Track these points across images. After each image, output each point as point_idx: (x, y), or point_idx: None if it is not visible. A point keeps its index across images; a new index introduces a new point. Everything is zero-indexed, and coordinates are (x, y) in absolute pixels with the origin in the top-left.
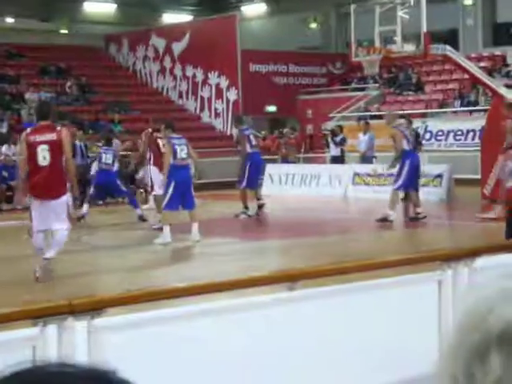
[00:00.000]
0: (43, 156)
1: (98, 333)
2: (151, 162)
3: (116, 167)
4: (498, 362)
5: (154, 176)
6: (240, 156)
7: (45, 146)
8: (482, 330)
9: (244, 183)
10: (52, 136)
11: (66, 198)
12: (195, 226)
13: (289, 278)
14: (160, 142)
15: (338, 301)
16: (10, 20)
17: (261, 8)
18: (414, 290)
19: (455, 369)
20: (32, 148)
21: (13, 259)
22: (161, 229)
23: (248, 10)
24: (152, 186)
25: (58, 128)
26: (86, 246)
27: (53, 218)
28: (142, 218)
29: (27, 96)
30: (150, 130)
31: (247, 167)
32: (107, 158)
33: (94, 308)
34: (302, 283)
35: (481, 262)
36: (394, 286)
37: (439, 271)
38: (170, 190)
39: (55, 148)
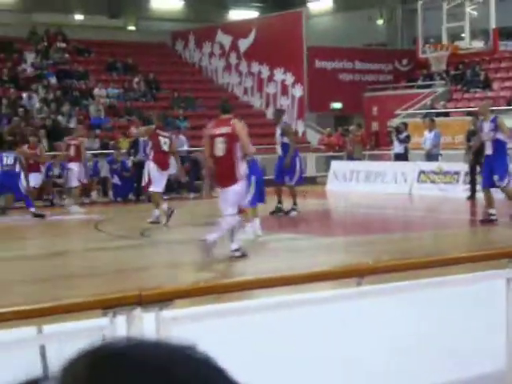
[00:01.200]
0: (219, 148)
1: (166, 324)
2: (151, 158)
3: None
4: None
5: (152, 173)
6: (289, 150)
7: (221, 139)
8: None
9: (296, 179)
10: (227, 129)
11: (240, 187)
12: (257, 222)
13: (357, 273)
14: (161, 139)
15: (404, 297)
16: (78, 17)
17: (327, 4)
18: (481, 288)
19: None
20: (212, 140)
21: (79, 252)
22: (156, 222)
23: (314, 7)
24: (149, 182)
25: (232, 121)
26: (147, 240)
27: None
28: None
29: (95, 92)
30: (153, 126)
31: (297, 162)
32: None
33: (163, 299)
34: (370, 279)
35: None
36: (461, 283)
37: (508, 269)
38: (253, 186)
39: (229, 140)
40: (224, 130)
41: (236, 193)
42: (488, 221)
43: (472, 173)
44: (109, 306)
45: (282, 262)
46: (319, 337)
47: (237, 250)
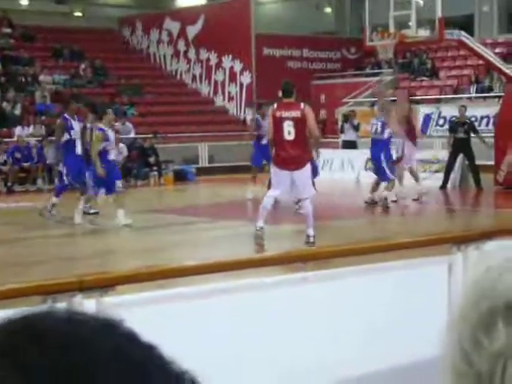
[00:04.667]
0: (288, 131)
1: (107, 310)
2: None
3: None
4: (504, 330)
5: None
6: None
7: (290, 122)
8: (489, 298)
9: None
10: (296, 113)
11: (309, 168)
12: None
13: (301, 259)
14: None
15: (346, 283)
16: (24, 2)
17: None
18: (423, 273)
19: (462, 336)
20: (278, 123)
21: (23, 240)
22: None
23: None
24: None
25: (302, 106)
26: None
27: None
28: None
29: (41, 78)
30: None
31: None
32: None
33: (104, 285)
34: (313, 264)
35: (492, 244)
36: (403, 268)
37: (449, 254)
38: None
39: (299, 123)
40: (294, 113)
41: (308, 176)
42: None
43: (449, 163)
44: (48, 292)
45: (224, 250)
46: (262, 323)
47: (262, 228)
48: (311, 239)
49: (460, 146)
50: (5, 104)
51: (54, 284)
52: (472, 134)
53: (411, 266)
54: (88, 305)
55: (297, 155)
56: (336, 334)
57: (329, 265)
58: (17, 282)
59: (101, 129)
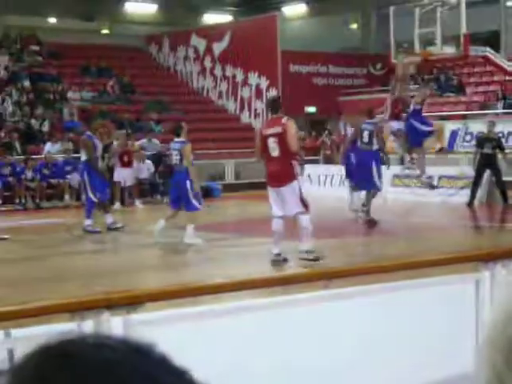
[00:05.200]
0: (273, 147)
1: (134, 328)
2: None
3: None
4: None
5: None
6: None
7: (273, 139)
8: None
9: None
10: (278, 129)
11: (295, 184)
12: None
13: (325, 276)
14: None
15: (375, 300)
16: (52, 20)
17: (301, 8)
18: (451, 291)
19: (495, 357)
20: (264, 140)
21: (51, 256)
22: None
23: (289, 11)
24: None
25: (283, 120)
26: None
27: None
28: None
29: (69, 95)
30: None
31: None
32: None
33: (131, 303)
34: (339, 282)
35: None
36: (431, 285)
37: (477, 272)
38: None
39: (281, 139)
40: (276, 129)
41: (293, 192)
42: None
43: (476, 179)
44: (76, 309)
45: (251, 267)
46: (290, 339)
47: (278, 255)
48: (303, 255)
49: (486, 161)
50: (33, 121)
51: (82, 302)
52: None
53: (439, 283)
54: (115, 322)
55: (280, 171)
56: (363, 352)
57: (351, 282)
58: (45, 299)
59: (89, 136)
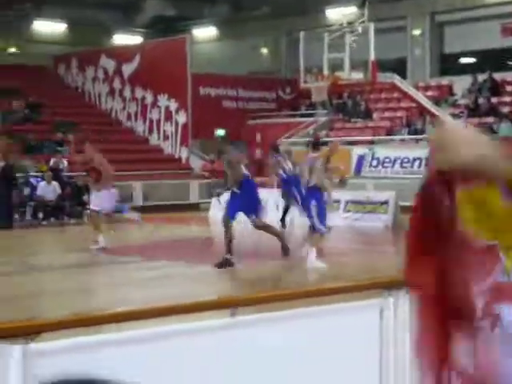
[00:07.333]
0: None
1: (32, 358)
2: None
3: None
4: None
5: None
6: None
7: None
8: None
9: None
10: None
11: None
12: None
13: (231, 304)
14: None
15: (273, 328)
16: None
17: (212, 32)
18: (354, 318)
19: None
20: None
21: None
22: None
23: (199, 33)
24: None
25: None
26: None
27: None
28: None
29: None
30: None
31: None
32: None
33: (30, 332)
34: (243, 309)
35: None
36: (333, 313)
37: (380, 299)
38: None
39: None
40: None
41: None
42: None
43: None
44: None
45: (153, 291)
46: (191, 368)
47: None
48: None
49: None
50: None
51: None
52: None
53: (341, 311)
54: (12, 351)
55: None
56: (266, 378)
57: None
58: None
59: None
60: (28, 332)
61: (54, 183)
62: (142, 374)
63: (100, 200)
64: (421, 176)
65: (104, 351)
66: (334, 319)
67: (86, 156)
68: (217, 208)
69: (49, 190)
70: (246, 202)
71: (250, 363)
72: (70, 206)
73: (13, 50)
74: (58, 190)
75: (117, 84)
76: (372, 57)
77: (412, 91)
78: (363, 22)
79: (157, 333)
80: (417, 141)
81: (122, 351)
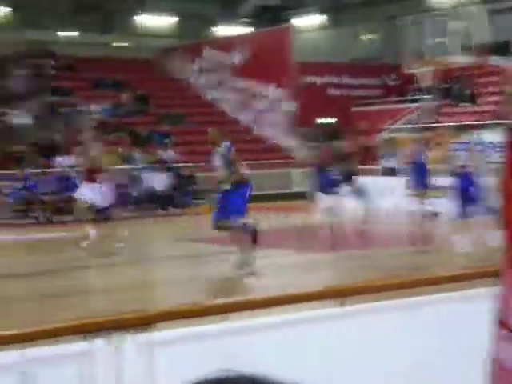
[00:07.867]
0: None
1: (149, 348)
2: None
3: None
4: None
5: None
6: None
7: None
8: None
9: None
10: None
11: None
12: None
13: (340, 295)
14: None
15: (390, 316)
16: (70, 34)
17: (316, 20)
18: (469, 307)
19: None
20: None
21: (59, 271)
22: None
23: (303, 22)
24: None
25: None
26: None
27: None
28: None
29: (82, 108)
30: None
31: None
32: None
33: (146, 323)
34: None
35: None
36: (448, 301)
37: (492, 287)
38: None
39: None
40: None
41: None
42: None
43: None
44: (87, 331)
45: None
46: (303, 358)
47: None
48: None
49: None
50: (48, 134)
51: (93, 323)
52: None
53: (455, 299)
54: (127, 342)
55: None
56: (371, 370)
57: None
58: (55, 321)
59: None
60: (142, 323)
61: (163, 174)
62: (256, 363)
63: None
64: None
65: (227, 339)
66: (447, 308)
67: None
68: (324, 197)
69: (160, 180)
70: (238, 201)
71: (359, 353)
72: (178, 196)
73: (121, 43)
74: (168, 181)
75: (221, 75)
76: (481, 40)
77: None
78: (474, 3)
79: (282, 321)
80: None
81: (245, 340)
